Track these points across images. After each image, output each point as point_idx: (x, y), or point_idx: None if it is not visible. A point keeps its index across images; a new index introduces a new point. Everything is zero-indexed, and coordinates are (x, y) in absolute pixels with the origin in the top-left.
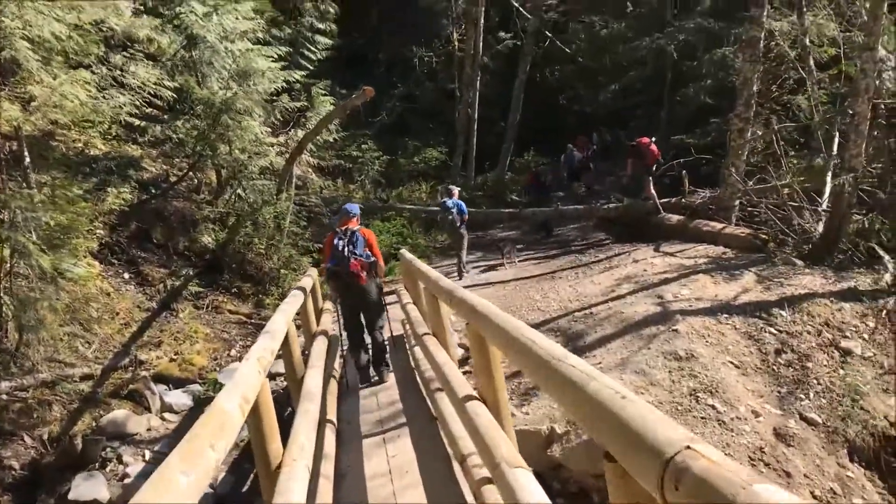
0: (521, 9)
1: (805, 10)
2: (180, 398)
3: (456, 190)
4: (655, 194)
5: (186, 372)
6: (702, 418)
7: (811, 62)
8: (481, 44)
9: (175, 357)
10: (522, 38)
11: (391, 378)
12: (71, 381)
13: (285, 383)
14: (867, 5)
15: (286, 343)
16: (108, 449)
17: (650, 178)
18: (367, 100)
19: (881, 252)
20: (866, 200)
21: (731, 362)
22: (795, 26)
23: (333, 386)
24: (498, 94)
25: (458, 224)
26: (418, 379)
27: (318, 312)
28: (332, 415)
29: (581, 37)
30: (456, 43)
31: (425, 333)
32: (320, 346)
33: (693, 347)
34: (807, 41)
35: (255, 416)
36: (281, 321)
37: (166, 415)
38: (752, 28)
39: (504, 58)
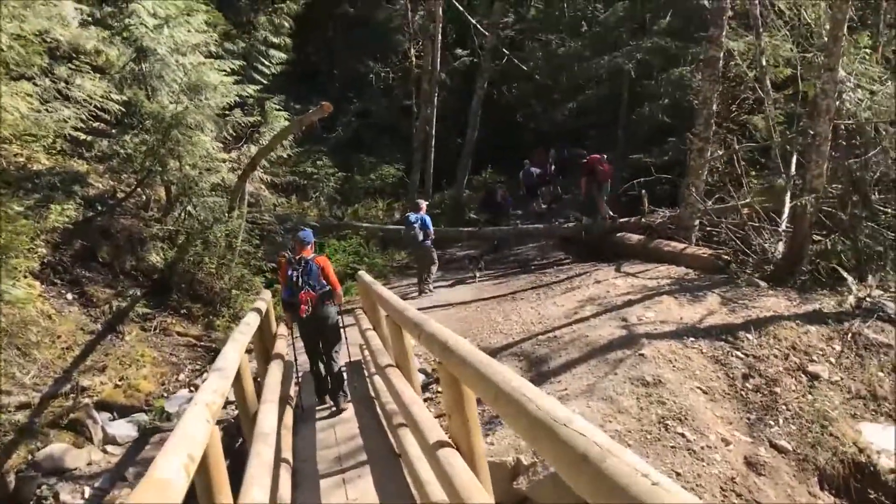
0: (478, 26)
1: (762, 30)
2: (124, 429)
3: (424, 204)
4: (607, 208)
5: (132, 398)
6: (672, 447)
7: (768, 83)
8: (439, 60)
9: (120, 383)
10: (480, 55)
11: (350, 410)
12: (6, 411)
13: (237, 411)
14: (827, 27)
15: (238, 378)
16: (45, 486)
17: (602, 195)
18: (325, 115)
19: (844, 273)
20: (826, 222)
21: (699, 388)
22: (752, 46)
23: (289, 418)
24: (455, 110)
25: (421, 239)
26: (379, 411)
27: (273, 337)
28: (287, 452)
29: (538, 55)
30: (413, 59)
31: (388, 365)
32: (275, 375)
33: (660, 373)
34: (763, 62)
35: (202, 473)
36: (233, 355)
37: (109, 447)
38: (711, 48)
39: (461, 74)
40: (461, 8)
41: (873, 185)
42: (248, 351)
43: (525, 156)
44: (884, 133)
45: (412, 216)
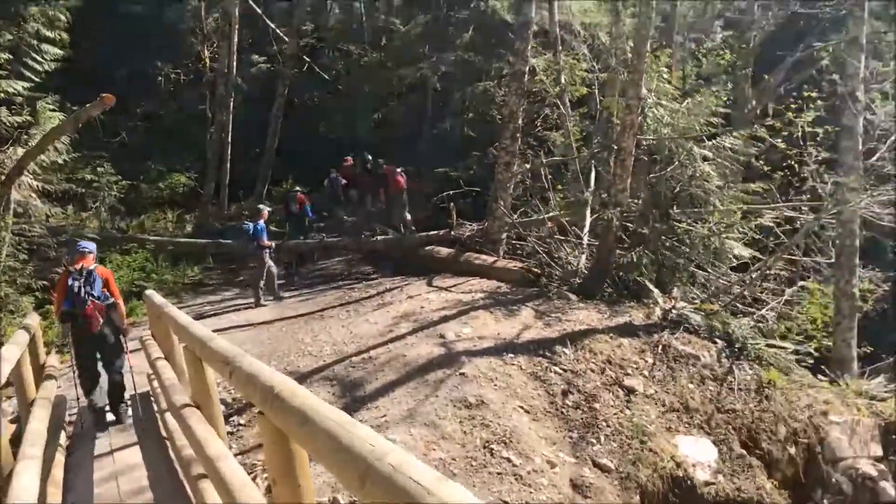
0: (277, 31)
1: (560, 49)
2: None
3: (266, 211)
4: (408, 220)
5: None
6: (498, 474)
7: (566, 100)
8: (235, 64)
9: None
10: (279, 60)
11: (136, 453)
12: None
13: None
14: (630, 44)
15: None
16: None
17: (397, 207)
18: (106, 108)
19: (650, 286)
20: (623, 236)
21: (522, 407)
22: (552, 64)
23: (59, 471)
24: (254, 118)
25: (254, 249)
26: (172, 455)
27: (41, 368)
28: None
29: (339, 64)
30: (207, 61)
31: (185, 405)
32: (39, 419)
33: (482, 393)
34: (563, 79)
35: None
36: None
37: None
38: (517, 61)
39: (260, 81)
40: (259, 11)
41: (672, 200)
42: (7, 385)
43: (329, 165)
44: (680, 149)
45: (246, 224)
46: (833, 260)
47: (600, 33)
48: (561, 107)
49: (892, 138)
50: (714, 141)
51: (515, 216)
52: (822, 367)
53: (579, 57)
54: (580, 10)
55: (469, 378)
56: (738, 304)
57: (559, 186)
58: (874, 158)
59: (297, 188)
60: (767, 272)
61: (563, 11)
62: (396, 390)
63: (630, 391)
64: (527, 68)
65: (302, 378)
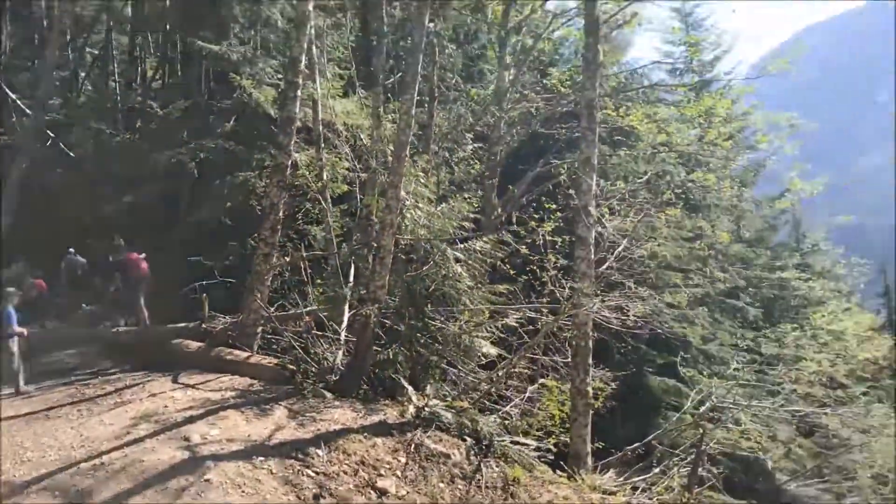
0: (18, 102)
1: (322, 146)
2: None
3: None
4: (145, 312)
5: None
6: None
7: (328, 195)
8: None
9: None
10: (18, 132)
11: None
12: None
13: None
14: (391, 147)
15: None
16: None
17: (138, 294)
18: None
19: (404, 383)
20: (381, 332)
21: None
22: (314, 160)
23: None
24: None
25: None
26: None
27: None
28: None
29: (89, 142)
30: None
31: None
32: None
33: (229, 500)
34: (325, 175)
35: None
36: None
37: None
38: (280, 155)
39: None
40: None
41: (426, 298)
42: None
43: (67, 247)
44: (435, 250)
45: None
46: (569, 359)
47: (362, 135)
48: (322, 202)
49: (619, 249)
50: (465, 244)
51: (272, 309)
52: (561, 462)
53: (341, 155)
54: (343, 111)
55: (214, 485)
56: (485, 401)
57: (318, 281)
58: (604, 267)
59: (39, 272)
60: (512, 370)
61: (326, 111)
62: (131, 500)
63: (383, 493)
64: (289, 162)
65: (18, 489)
